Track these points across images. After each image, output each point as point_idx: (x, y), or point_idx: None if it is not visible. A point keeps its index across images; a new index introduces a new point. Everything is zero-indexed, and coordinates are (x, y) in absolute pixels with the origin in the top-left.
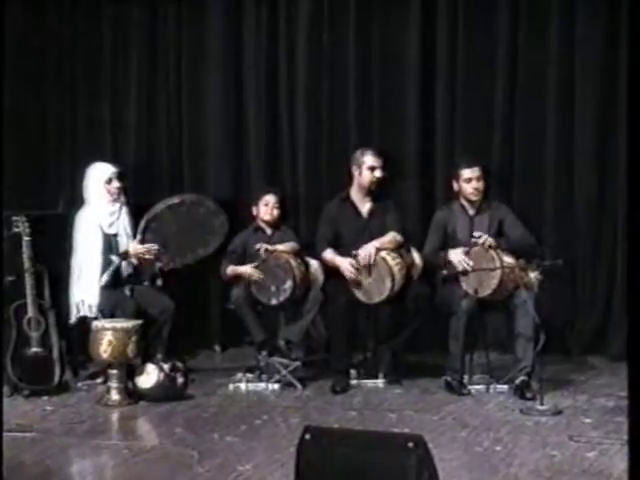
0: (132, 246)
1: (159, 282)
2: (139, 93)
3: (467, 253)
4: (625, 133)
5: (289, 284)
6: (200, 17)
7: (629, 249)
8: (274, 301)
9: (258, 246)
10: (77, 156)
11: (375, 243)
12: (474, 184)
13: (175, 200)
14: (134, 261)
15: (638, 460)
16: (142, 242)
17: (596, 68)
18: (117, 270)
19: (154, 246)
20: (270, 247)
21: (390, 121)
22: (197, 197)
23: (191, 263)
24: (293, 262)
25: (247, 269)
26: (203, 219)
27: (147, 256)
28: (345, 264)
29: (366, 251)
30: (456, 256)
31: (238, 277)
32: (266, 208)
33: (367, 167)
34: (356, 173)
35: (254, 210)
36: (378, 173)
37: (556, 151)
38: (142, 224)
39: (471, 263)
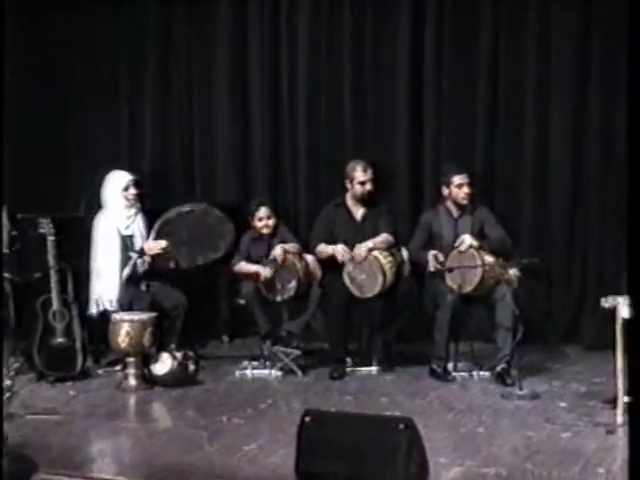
0: (147, 244)
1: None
2: (154, 105)
3: (447, 255)
4: (597, 143)
5: (293, 283)
6: (208, 34)
7: (629, 253)
8: (279, 298)
9: (277, 251)
10: (97, 164)
11: (368, 243)
12: (465, 189)
13: (186, 208)
14: (148, 258)
15: (638, 460)
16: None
17: (569, 85)
18: (134, 267)
19: (163, 242)
20: (283, 248)
21: (382, 132)
22: (205, 206)
23: (201, 264)
24: (298, 264)
25: (258, 268)
26: (211, 227)
27: (157, 250)
28: (338, 248)
29: (360, 249)
30: (431, 259)
31: (248, 274)
32: (262, 222)
33: (357, 182)
34: (348, 186)
35: (252, 221)
36: (368, 186)
37: (533, 159)
38: (156, 227)
39: (439, 266)
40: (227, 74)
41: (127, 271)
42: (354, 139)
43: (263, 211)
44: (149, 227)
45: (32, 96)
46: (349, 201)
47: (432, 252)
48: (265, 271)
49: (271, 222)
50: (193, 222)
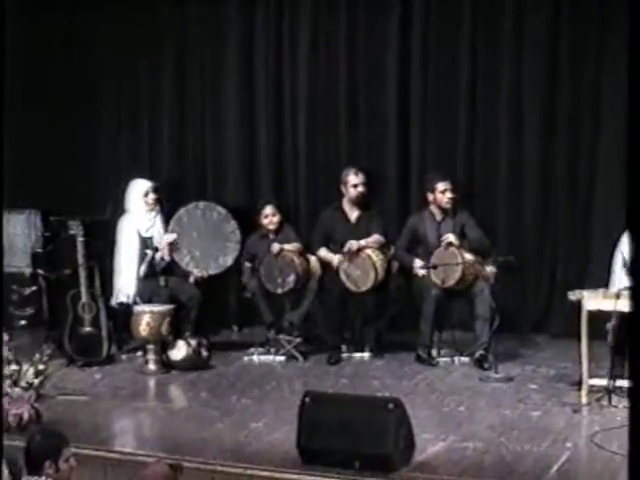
0: (164, 240)
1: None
2: (169, 118)
3: (431, 253)
4: (565, 148)
5: (292, 277)
6: (218, 53)
7: (630, 257)
8: (280, 290)
9: (275, 248)
10: (121, 172)
11: (362, 242)
12: (448, 195)
13: (191, 205)
14: (163, 253)
15: (638, 459)
16: None
17: (541, 96)
18: (152, 264)
19: (171, 236)
20: (280, 246)
21: (373, 142)
22: (208, 203)
23: (216, 273)
24: (296, 260)
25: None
26: (217, 223)
27: (167, 244)
28: (335, 259)
29: (351, 243)
30: (416, 265)
31: (253, 270)
32: (267, 219)
33: (351, 185)
34: (344, 190)
35: (259, 219)
36: (360, 189)
37: (508, 167)
38: (170, 227)
39: (424, 271)
40: (235, 94)
41: (144, 268)
42: (348, 147)
43: (269, 209)
44: (167, 227)
45: (64, 110)
46: (345, 205)
47: (417, 262)
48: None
49: (275, 219)
50: (200, 218)
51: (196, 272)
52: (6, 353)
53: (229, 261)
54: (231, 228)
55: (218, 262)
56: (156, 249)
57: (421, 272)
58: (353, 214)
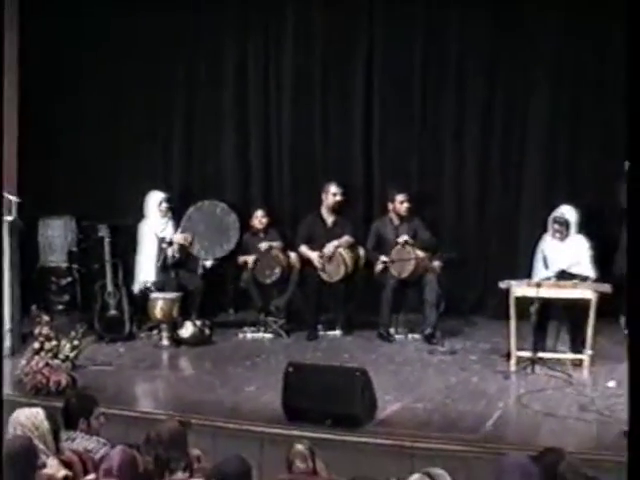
0: (175, 236)
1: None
2: (180, 140)
3: (391, 251)
4: (498, 158)
5: (278, 270)
6: (214, 74)
7: (629, 260)
8: (268, 281)
9: (263, 246)
10: (140, 185)
11: (335, 243)
12: (404, 204)
13: (198, 204)
14: (175, 248)
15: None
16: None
17: (478, 114)
18: (165, 259)
19: (188, 237)
20: (268, 244)
21: (343, 160)
22: (212, 201)
23: (221, 256)
24: (281, 256)
25: (249, 259)
26: (220, 217)
27: (183, 241)
28: (314, 256)
29: (330, 247)
30: (378, 262)
31: (246, 263)
32: (257, 220)
33: (331, 194)
34: (324, 197)
35: (251, 220)
36: (338, 198)
37: (451, 182)
38: (182, 223)
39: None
40: (233, 118)
41: (160, 261)
42: (323, 164)
43: (259, 212)
44: (177, 228)
45: (92, 133)
46: (323, 211)
47: (382, 258)
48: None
49: (264, 220)
50: (206, 213)
51: (204, 257)
52: (47, 331)
53: (232, 245)
54: (232, 219)
55: (223, 247)
56: (170, 242)
57: (382, 266)
58: (330, 219)
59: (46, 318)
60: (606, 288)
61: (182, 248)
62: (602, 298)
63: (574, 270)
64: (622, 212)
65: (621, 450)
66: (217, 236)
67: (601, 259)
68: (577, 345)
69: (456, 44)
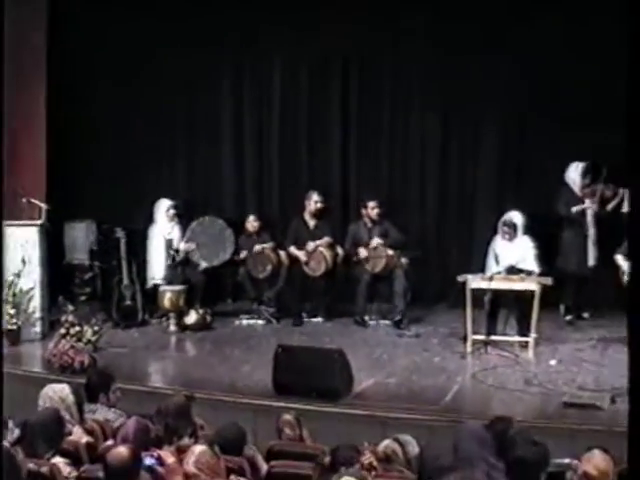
0: (181, 245)
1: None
2: (184, 155)
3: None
4: (455, 178)
5: (269, 267)
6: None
7: (631, 265)
8: (261, 276)
9: (257, 248)
10: (150, 193)
11: (317, 242)
12: (376, 210)
13: (200, 219)
14: (182, 254)
15: (638, 456)
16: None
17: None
18: (173, 259)
19: (192, 246)
20: (261, 246)
21: (325, 171)
22: (212, 217)
23: (218, 264)
24: (272, 255)
25: (246, 255)
26: (218, 231)
27: (187, 250)
28: (301, 255)
29: (311, 245)
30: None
31: (243, 260)
32: (250, 224)
33: (313, 201)
34: (307, 204)
35: (245, 224)
36: (319, 205)
37: (417, 190)
38: (187, 234)
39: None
40: (229, 136)
41: (169, 262)
42: (307, 175)
43: (252, 217)
44: (183, 233)
45: (109, 152)
46: (306, 216)
47: (362, 252)
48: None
49: (256, 224)
50: (207, 226)
51: (204, 264)
52: (72, 319)
53: (227, 255)
54: (228, 234)
55: (219, 257)
56: (176, 250)
57: (361, 257)
58: (312, 222)
59: (71, 307)
60: (548, 281)
61: (186, 255)
62: (545, 289)
63: (521, 266)
64: (561, 217)
65: (561, 418)
66: (215, 247)
67: (544, 256)
68: (523, 329)
69: (417, 79)
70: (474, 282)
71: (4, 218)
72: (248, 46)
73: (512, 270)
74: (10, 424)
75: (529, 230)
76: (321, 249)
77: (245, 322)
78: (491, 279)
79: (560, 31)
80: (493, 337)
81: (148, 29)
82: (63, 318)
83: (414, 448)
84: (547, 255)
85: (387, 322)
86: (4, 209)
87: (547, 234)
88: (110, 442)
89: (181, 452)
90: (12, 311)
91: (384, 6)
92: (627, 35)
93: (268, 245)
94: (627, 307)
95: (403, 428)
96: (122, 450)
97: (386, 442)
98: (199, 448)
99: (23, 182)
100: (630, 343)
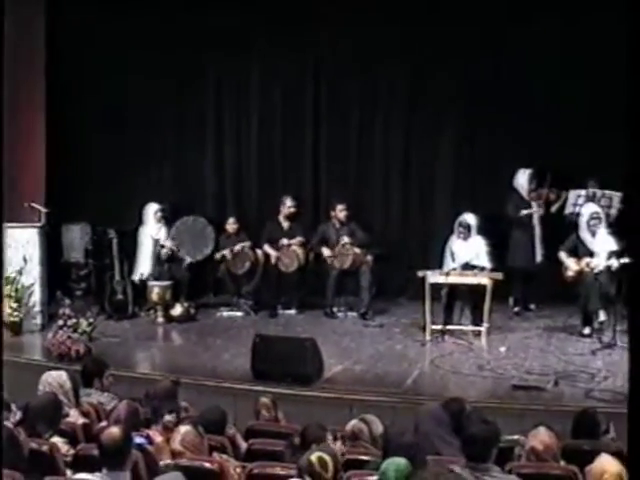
0: (166, 242)
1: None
2: (172, 163)
3: (333, 248)
4: (416, 185)
5: (247, 264)
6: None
7: (631, 266)
8: (240, 272)
9: (237, 247)
10: (139, 197)
11: (291, 241)
12: (344, 212)
13: (184, 218)
14: (167, 251)
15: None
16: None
17: (401, 150)
18: (159, 257)
19: (176, 243)
20: (241, 246)
21: (299, 176)
22: (195, 216)
23: (201, 259)
24: (250, 253)
25: (226, 253)
26: (201, 228)
27: (172, 247)
28: (274, 253)
29: (284, 241)
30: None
31: (222, 258)
32: (230, 226)
33: (286, 206)
34: (281, 208)
35: (225, 225)
36: (292, 209)
37: (381, 193)
38: (171, 232)
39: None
40: (212, 144)
41: (154, 259)
42: (282, 180)
43: (231, 219)
44: (169, 233)
45: (102, 160)
46: (280, 218)
47: (328, 253)
48: (229, 255)
49: (235, 226)
50: (190, 225)
51: (188, 259)
52: (69, 312)
53: (209, 251)
54: (209, 231)
55: (202, 252)
56: (162, 246)
57: (329, 260)
58: (285, 224)
59: (68, 301)
60: (499, 276)
61: (171, 251)
62: (495, 284)
63: (474, 262)
64: (510, 218)
65: (510, 399)
66: (198, 243)
67: (495, 254)
68: (476, 319)
69: (385, 95)
70: (432, 277)
71: (9, 221)
72: (228, 55)
73: (466, 266)
74: (13, 407)
75: (482, 230)
76: (294, 247)
77: (226, 314)
78: (448, 274)
79: (509, 36)
80: (449, 327)
81: (139, 36)
82: (61, 311)
83: (379, 427)
84: (498, 253)
85: (354, 314)
86: (7, 212)
87: (498, 234)
88: (104, 423)
89: (167, 430)
90: (14, 305)
91: (358, 14)
92: (627, 35)
93: (246, 244)
94: (627, 307)
95: (369, 409)
96: (114, 430)
97: (353, 422)
98: (184, 428)
99: (25, 188)
100: (630, 343)
